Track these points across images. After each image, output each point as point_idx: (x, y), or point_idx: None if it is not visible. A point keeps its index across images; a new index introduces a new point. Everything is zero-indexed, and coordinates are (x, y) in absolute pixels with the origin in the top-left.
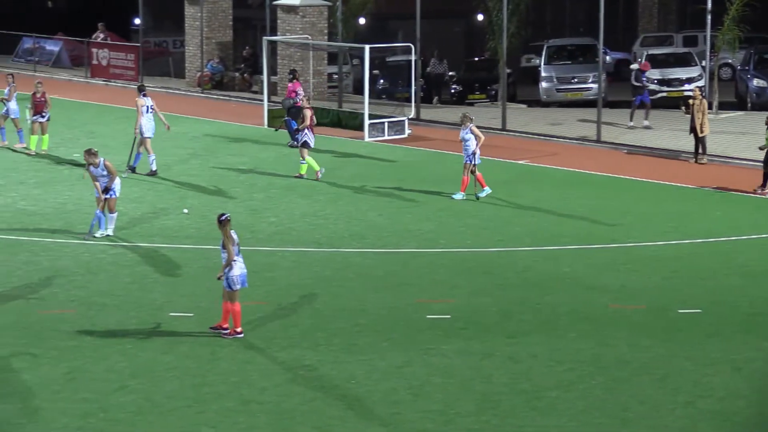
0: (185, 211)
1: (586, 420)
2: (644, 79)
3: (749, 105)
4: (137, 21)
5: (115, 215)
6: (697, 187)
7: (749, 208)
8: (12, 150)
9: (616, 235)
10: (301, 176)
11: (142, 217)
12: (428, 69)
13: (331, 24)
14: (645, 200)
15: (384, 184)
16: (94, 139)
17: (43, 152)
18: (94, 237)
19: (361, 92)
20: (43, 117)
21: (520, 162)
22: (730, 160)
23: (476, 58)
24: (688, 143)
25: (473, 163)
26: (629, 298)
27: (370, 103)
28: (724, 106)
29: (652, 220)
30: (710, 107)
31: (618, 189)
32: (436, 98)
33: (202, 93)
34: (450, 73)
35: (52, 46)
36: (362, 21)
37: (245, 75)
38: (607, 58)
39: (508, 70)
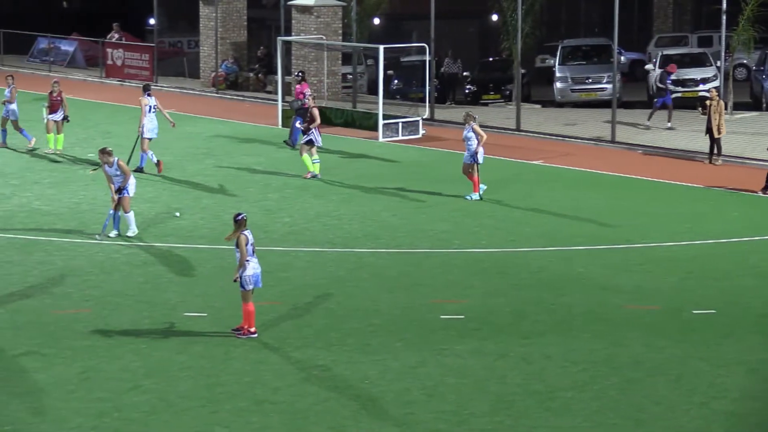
0: (177, 214)
1: (600, 421)
2: (669, 81)
3: (764, 105)
4: (152, 21)
5: (131, 214)
6: (712, 187)
7: (764, 209)
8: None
9: (631, 235)
10: (315, 176)
11: (156, 217)
12: (442, 69)
13: (345, 24)
14: (659, 201)
15: (398, 184)
16: (109, 139)
17: (58, 152)
18: (108, 237)
19: (375, 92)
20: (57, 116)
21: (534, 162)
22: (745, 161)
23: (491, 59)
24: (703, 144)
25: (477, 162)
26: (643, 298)
27: (384, 104)
28: (738, 107)
29: (667, 220)
30: (725, 108)
31: (632, 189)
32: (449, 102)
33: (217, 93)
34: (464, 73)
35: (67, 47)
36: (376, 21)
37: (259, 75)
38: (622, 58)
39: (523, 71)
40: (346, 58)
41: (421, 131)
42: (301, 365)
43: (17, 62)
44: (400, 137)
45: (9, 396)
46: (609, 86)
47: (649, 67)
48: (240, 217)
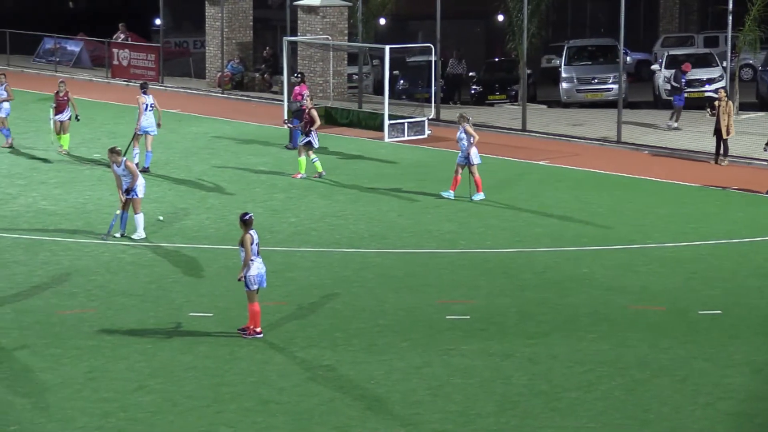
0: (160, 218)
1: (606, 421)
2: (683, 80)
3: None
4: (158, 21)
5: (140, 216)
6: (718, 188)
7: None
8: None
9: (636, 236)
10: (319, 174)
11: (162, 218)
12: (447, 69)
13: (351, 24)
14: (665, 201)
15: (404, 184)
16: (115, 139)
17: (64, 152)
18: (114, 237)
19: (381, 93)
20: (64, 116)
21: (540, 163)
22: (750, 161)
23: (496, 59)
24: (709, 144)
25: (471, 163)
26: (649, 299)
27: (390, 104)
28: (745, 107)
29: (672, 221)
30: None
31: (638, 190)
32: (455, 101)
33: (222, 93)
34: (470, 74)
35: (73, 47)
36: (382, 21)
37: (265, 75)
38: (628, 58)
39: (529, 71)
40: (352, 59)
41: (427, 131)
42: (306, 365)
43: (23, 62)
44: (406, 137)
45: (15, 395)
46: (615, 87)
47: (655, 67)
48: (247, 216)
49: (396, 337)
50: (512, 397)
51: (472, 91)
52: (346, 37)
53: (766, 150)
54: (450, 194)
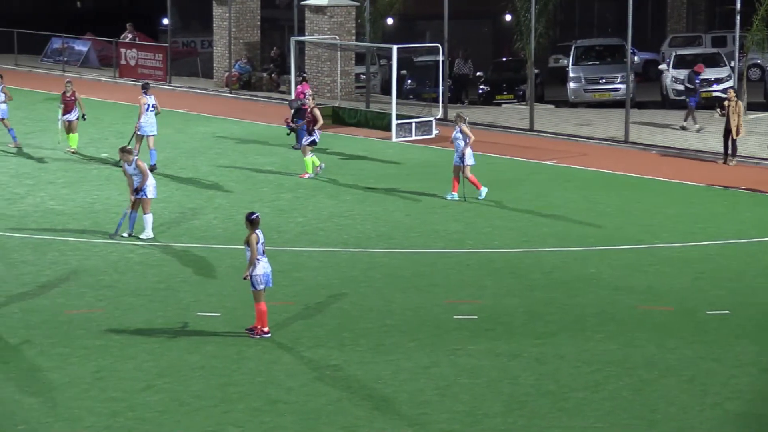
0: (124, 234)
1: (614, 421)
2: (697, 81)
3: None
4: (165, 21)
5: (149, 216)
6: (726, 188)
7: None
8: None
9: (644, 236)
10: (319, 167)
11: (169, 217)
12: (453, 70)
13: (358, 24)
14: (672, 201)
15: (411, 184)
16: (123, 139)
17: (73, 151)
18: (121, 236)
19: (388, 92)
20: (71, 116)
21: (547, 162)
22: (759, 161)
23: (504, 59)
24: (717, 144)
25: (465, 164)
26: (657, 299)
27: (397, 104)
28: (753, 107)
29: (680, 221)
30: None
31: (645, 190)
32: (464, 101)
33: (230, 93)
34: (477, 74)
35: (81, 47)
36: (390, 21)
37: (273, 75)
38: (636, 58)
39: (536, 71)
40: (360, 58)
41: (435, 131)
42: (314, 365)
43: (31, 62)
44: (414, 137)
45: (22, 395)
46: (622, 86)
47: (662, 67)
48: (253, 216)
49: (403, 337)
50: (519, 397)
51: (480, 91)
52: (354, 37)
53: None
54: (454, 196)
